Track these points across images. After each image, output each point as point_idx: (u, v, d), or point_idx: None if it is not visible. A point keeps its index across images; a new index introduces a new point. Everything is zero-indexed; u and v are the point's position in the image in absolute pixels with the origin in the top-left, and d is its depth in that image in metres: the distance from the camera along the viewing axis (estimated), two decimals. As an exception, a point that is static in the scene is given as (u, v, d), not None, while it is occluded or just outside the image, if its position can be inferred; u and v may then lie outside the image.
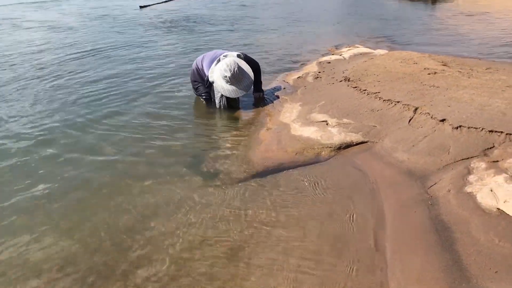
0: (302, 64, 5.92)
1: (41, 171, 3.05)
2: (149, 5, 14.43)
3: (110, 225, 2.42)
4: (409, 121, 3.27)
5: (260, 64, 4.57)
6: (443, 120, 3.09)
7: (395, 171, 2.78)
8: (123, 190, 2.78)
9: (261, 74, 4.46)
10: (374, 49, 6.48)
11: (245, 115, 4.03)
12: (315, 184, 2.72)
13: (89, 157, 3.24)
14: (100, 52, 7.23)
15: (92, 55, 7.00)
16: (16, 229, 2.39)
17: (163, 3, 15.17)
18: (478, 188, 2.35)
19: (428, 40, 7.53)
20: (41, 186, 2.83)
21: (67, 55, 7.01)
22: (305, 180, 2.78)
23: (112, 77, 5.48)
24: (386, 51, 6.16)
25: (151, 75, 5.54)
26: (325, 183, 2.73)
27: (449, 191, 2.42)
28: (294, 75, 5.13)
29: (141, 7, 13.98)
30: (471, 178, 2.47)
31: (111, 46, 7.75)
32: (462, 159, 2.70)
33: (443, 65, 4.62)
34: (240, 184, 2.78)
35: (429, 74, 4.21)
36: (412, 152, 2.90)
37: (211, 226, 2.37)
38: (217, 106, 4.20)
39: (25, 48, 7.76)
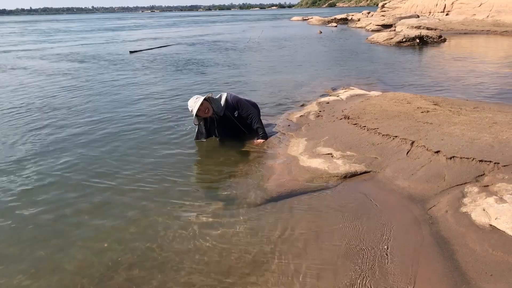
0: (302, 105, 6.33)
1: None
2: (138, 51, 15.07)
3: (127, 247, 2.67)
4: (407, 153, 3.61)
5: (259, 106, 5.00)
6: (437, 152, 3.44)
7: (397, 196, 3.09)
8: (150, 215, 3.05)
9: (259, 116, 4.85)
10: (369, 91, 6.95)
11: (254, 149, 4.35)
12: (326, 207, 3.00)
13: (115, 185, 3.51)
14: (103, 96, 7.63)
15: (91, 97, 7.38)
16: None
17: (153, 49, 15.83)
18: (472, 208, 2.66)
19: (417, 83, 8.06)
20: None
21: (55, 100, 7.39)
22: (316, 203, 3.07)
23: (123, 119, 5.83)
24: (380, 93, 6.63)
25: (155, 115, 5.90)
26: (335, 205, 3.02)
27: (446, 211, 2.73)
28: (297, 114, 5.52)
29: (131, 52, 14.60)
30: (466, 200, 2.79)
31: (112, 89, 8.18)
32: (456, 185, 3.03)
33: (434, 104, 5.05)
34: (257, 207, 3.06)
35: (422, 112, 4.61)
36: (411, 180, 3.23)
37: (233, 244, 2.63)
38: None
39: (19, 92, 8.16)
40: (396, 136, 3.88)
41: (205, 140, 4.77)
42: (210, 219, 2.93)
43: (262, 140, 4.62)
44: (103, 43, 18.06)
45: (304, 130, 4.73)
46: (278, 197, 3.21)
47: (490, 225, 2.44)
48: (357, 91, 6.92)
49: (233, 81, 8.91)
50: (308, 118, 5.26)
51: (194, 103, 4.40)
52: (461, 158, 3.28)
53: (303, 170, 3.64)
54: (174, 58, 13.01)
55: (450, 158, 3.30)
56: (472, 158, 3.24)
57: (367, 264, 2.31)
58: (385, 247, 2.46)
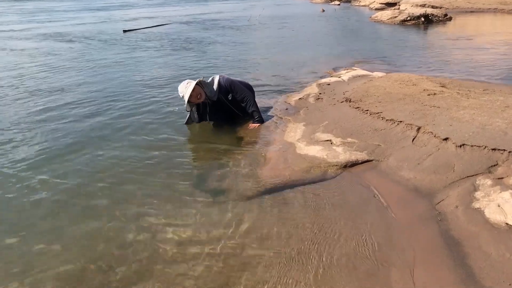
0: (301, 86, 6.02)
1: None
2: (133, 30, 14.64)
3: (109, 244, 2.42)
4: (412, 140, 3.33)
5: (256, 87, 4.69)
6: (446, 139, 3.16)
7: (402, 188, 2.83)
8: (131, 207, 2.80)
9: (254, 99, 4.55)
10: (372, 72, 6.62)
11: (249, 135, 4.08)
12: (324, 201, 2.74)
13: (97, 176, 3.25)
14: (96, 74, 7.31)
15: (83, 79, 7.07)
16: None
17: (148, 28, 15.38)
18: (485, 204, 2.40)
19: (423, 63, 7.71)
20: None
21: (47, 82, 7.08)
22: (314, 197, 2.81)
23: (114, 96, 5.53)
24: (384, 74, 6.30)
25: (148, 98, 5.61)
26: (333, 200, 2.76)
27: (457, 207, 2.46)
28: (295, 97, 5.22)
29: (124, 31, 14.18)
30: (478, 194, 2.52)
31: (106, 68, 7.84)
32: (467, 177, 2.76)
33: (441, 86, 4.74)
34: (250, 200, 2.80)
35: (428, 95, 4.31)
36: (417, 170, 2.96)
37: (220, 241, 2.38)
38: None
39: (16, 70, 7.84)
40: (400, 121, 3.60)
41: (197, 123, 4.49)
42: (197, 216, 2.68)
43: (257, 124, 4.34)
44: (95, 23, 17.51)
45: (302, 114, 4.44)
46: (271, 190, 2.96)
47: (506, 223, 2.19)
48: (360, 71, 6.59)
49: (232, 60, 8.57)
50: (307, 101, 4.96)
51: (185, 89, 4.11)
52: (472, 146, 3.00)
53: (300, 158, 3.37)
54: (171, 37, 12.59)
55: (460, 146, 3.02)
56: (484, 146, 2.96)
57: (368, 271, 2.06)
58: (389, 250, 2.20)
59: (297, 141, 3.72)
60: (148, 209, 2.79)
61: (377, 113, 3.90)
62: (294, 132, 3.95)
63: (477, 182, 2.65)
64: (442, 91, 4.46)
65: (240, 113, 4.55)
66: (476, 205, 2.42)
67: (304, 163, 3.28)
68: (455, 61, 7.68)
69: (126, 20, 18.67)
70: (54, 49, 10.44)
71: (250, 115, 4.47)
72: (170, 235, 2.49)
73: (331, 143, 3.58)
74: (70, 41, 11.88)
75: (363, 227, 2.43)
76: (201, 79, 4.28)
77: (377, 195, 2.78)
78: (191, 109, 4.40)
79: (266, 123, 4.35)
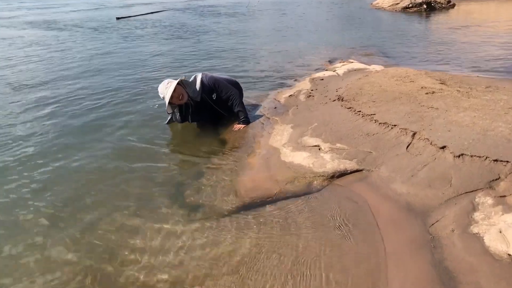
0: (294, 80, 5.72)
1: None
2: (126, 17, 14.23)
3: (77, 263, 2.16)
4: (407, 148, 3.05)
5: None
6: (443, 147, 2.87)
7: (393, 205, 2.54)
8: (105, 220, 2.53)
9: (241, 97, 4.25)
10: (369, 65, 6.29)
11: (233, 138, 3.80)
12: (306, 220, 2.47)
13: (57, 188, 2.98)
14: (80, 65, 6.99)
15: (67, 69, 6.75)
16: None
17: (142, 16, 14.96)
18: (485, 228, 2.12)
19: (423, 54, 7.36)
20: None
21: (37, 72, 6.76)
22: (296, 215, 2.53)
23: (86, 96, 5.23)
24: (382, 67, 5.98)
25: (130, 92, 5.30)
26: (316, 218, 2.49)
27: (453, 231, 2.19)
28: (286, 93, 4.92)
29: (117, 18, 13.79)
30: (477, 215, 2.24)
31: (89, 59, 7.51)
32: (465, 192, 2.48)
33: (440, 83, 4.42)
34: (224, 218, 2.53)
35: (426, 93, 4.01)
36: (411, 183, 2.67)
37: (191, 266, 2.12)
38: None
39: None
40: (395, 125, 3.30)
41: (180, 123, 4.20)
42: (166, 237, 2.41)
43: (243, 126, 4.05)
44: (87, 10, 17.05)
45: (291, 115, 4.14)
46: (250, 205, 2.68)
47: (509, 255, 1.90)
48: (356, 64, 6.27)
49: (228, 50, 8.25)
50: (297, 99, 4.66)
51: (166, 89, 3.81)
52: (471, 156, 2.71)
53: (284, 167, 3.08)
54: (166, 25, 12.20)
55: (458, 156, 2.74)
56: (484, 157, 2.67)
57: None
58: (373, 285, 1.93)
59: (282, 146, 3.43)
60: (113, 224, 2.52)
61: (370, 115, 3.60)
62: (281, 136, 3.66)
63: (476, 200, 2.37)
64: (442, 89, 4.15)
65: (226, 113, 4.26)
66: (475, 229, 2.14)
67: (288, 173, 3.00)
68: (457, 52, 7.33)
69: (120, 7, 18.23)
70: (41, 38, 10.10)
71: (235, 115, 4.17)
72: (131, 256, 2.23)
73: (319, 149, 3.29)
74: (60, 29, 11.52)
75: (347, 255, 2.16)
76: (183, 78, 3.98)
77: (364, 213, 2.49)
78: (173, 111, 4.10)
79: (252, 124, 4.06)
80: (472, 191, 2.49)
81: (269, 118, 4.17)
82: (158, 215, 2.62)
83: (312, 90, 4.89)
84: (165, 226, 2.51)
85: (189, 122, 4.17)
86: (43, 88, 5.69)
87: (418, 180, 2.69)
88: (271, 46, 8.54)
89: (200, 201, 2.78)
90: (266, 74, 6.16)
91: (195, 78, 4.12)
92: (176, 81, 3.88)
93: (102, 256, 2.27)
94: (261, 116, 4.25)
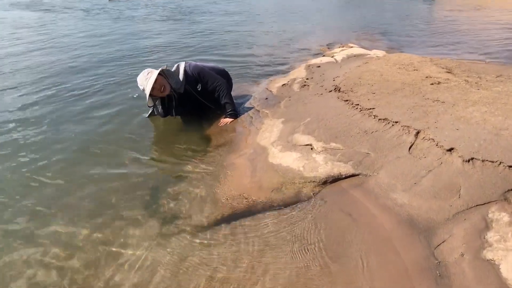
0: (290, 67, 5.33)
1: None
2: None
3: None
4: (409, 149, 2.69)
5: (233, 71, 4.03)
6: (451, 150, 2.52)
7: (393, 219, 2.21)
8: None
9: (229, 87, 3.88)
10: (370, 50, 5.89)
11: (219, 134, 3.45)
12: (289, 238, 2.14)
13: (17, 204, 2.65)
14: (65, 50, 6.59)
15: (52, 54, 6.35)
16: None
17: None
18: (501, 254, 1.78)
19: (428, 39, 6.93)
20: None
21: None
22: (280, 231, 2.20)
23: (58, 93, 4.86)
24: (383, 53, 5.58)
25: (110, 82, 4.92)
26: (304, 236, 2.16)
27: (462, 255, 1.85)
28: (279, 82, 4.54)
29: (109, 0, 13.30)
30: (491, 236, 1.90)
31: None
32: (476, 205, 2.14)
33: (447, 72, 4.04)
34: (199, 233, 2.21)
35: (432, 84, 3.63)
36: (413, 192, 2.33)
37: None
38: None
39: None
40: (396, 122, 2.95)
41: (162, 117, 3.84)
42: (130, 255, 2.09)
43: (230, 120, 3.69)
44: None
45: (282, 107, 3.78)
46: (230, 217, 2.37)
47: (531, 291, 1.57)
48: (356, 49, 5.86)
49: (224, 33, 7.83)
50: (291, 89, 4.29)
51: (146, 81, 3.43)
52: (483, 161, 2.36)
53: (271, 170, 2.74)
54: (160, 5, 11.68)
55: (468, 160, 2.39)
56: (498, 162, 2.33)
57: None
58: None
59: (271, 145, 3.09)
60: (79, 236, 2.20)
61: (369, 109, 3.24)
62: (270, 132, 3.31)
63: (489, 216, 2.03)
64: (448, 78, 3.77)
65: (212, 105, 3.90)
66: (489, 254, 1.81)
67: (275, 177, 2.66)
68: (465, 35, 6.89)
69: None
70: (26, 20, 9.63)
71: (223, 108, 3.81)
72: (93, 273, 1.91)
73: (311, 149, 2.94)
74: (46, 10, 11.01)
75: (337, 280, 1.82)
76: (165, 67, 3.61)
77: (359, 229, 2.16)
78: (154, 104, 3.73)
79: (241, 118, 3.72)
80: (485, 203, 2.15)
81: (259, 111, 3.81)
82: (128, 227, 2.32)
83: (307, 78, 4.51)
84: (133, 240, 2.20)
85: (172, 116, 3.81)
86: (18, 74, 5.30)
87: (422, 188, 2.35)
88: (269, 28, 8.11)
89: (176, 211, 2.46)
90: (260, 59, 5.78)
91: (178, 68, 3.75)
92: (157, 71, 3.51)
93: (62, 273, 1.95)
94: (250, 108, 3.89)
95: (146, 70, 3.60)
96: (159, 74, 3.51)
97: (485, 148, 2.46)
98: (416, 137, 2.77)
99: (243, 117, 3.72)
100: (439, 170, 2.44)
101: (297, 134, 3.18)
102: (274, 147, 3.06)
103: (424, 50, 5.88)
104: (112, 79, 4.96)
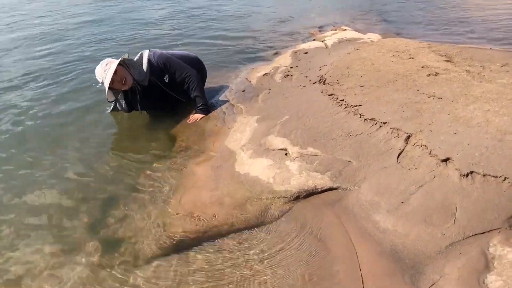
0: (275, 53, 4.86)
1: None
2: None
3: None
4: (398, 157, 2.28)
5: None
6: (446, 160, 2.12)
7: (373, 248, 1.82)
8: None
9: (200, 78, 3.44)
10: (365, 33, 5.41)
11: (185, 133, 3.04)
12: (250, 272, 1.75)
13: None
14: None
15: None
16: None
17: None
18: (504, 309, 1.38)
19: (429, 21, 6.41)
20: None
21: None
22: (237, 262, 1.81)
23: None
24: (379, 37, 5.11)
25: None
26: (262, 271, 1.75)
27: (455, 307, 1.45)
28: (261, 71, 4.10)
29: None
30: (491, 281, 1.52)
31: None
32: (475, 234, 1.74)
33: (446, 60, 3.59)
34: (138, 269, 1.81)
35: (428, 75, 3.20)
36: (400, 214, 1.93)
37: None
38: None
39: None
40: (384, 123, 2.53)
41: (126, 113, 3.42)
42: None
43: (200, 116, 3.27)
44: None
45: (260, 102, 3.35)
46: (180, 244, 1.96)
47: None
48: (350, 33, 5.39)
49: (212, 11, 7.22)
50: (272, 79, 3.85)
51: (105, 72, 3.00)
52: (484, 175, 1.96)
53: (236, 182, 2.34)
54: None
55: (466, 175, 1.98)
56: (502, 177, 1.93)
57: None
58: None
59: (240, 149, 2.68)
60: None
61: (355, 106, 2.81)
62: (242, 133, 2.90)
63: (490, 250, 1.64)
64: (447, 69, 3.33)
65: (183, 99, 3.47)
66: (489, 308, 1.40)
67: (240, 191, 2.26)
68: (470, 17, 6.35)
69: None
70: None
71: (193, 102, 3.39)
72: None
73: (286, 154, 2.54)
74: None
75: None
76: (126, 57, 3.17)
77: (333, 264, 1.77)
78: (116, 98, 3.31)
79: (213, 114, 3.30)
80: (485, 232, 1.74)
81: (233, 106, 3.39)
82: (63, 253, 1.92)
83: (291, 67, 4.07)
84: (64, 271, 1.80)
85: (138, 111, 3.38)
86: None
87: (410, 209, 1.95)
88: (261, 8, 7.54)
89: (121, 235, 2.08)
90: (244, 44, 5.30)
91: (141, 57, 3.31)
92: (116, 61, 3.08)
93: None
94: (225, 102, 3.46)
95: (104, 60, 3.16)
96: (119, 64, 3.08)
97: (487, 158, 2.05)
98: (407, 143, 2.36)
99: (216, 113, 3.30)
100: (431, 185, 2.03)
101: (271, 135, 2.77)
102: (244, 152, 2.65)
103: (423, 33, 5.40)
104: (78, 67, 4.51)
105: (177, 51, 3.74)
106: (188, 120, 3.29)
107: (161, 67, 3.29)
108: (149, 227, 2.08)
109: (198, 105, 3.34)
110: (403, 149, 2.33)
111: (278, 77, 3.87)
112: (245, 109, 3.27)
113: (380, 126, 2.55)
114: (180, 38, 5.57)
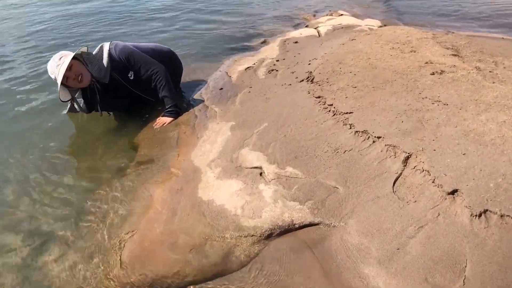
0: (262, 42, 4.38)
1: None
2: None
3: None
4: (394, 184, 1.85)
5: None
6: (453, 192, 1.69)
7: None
8: None
9: (168, 75, 2.97)
10: (363, 19, 4.90)
11: (148, 142, 2.60)
12: None
13: None
14: None
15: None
16: None
17: None
18: None
19: (437, 5, 5.84)
20: None
21: None
22: None
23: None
24: (378, 23, 4.61)
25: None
26: None
27: None
28: (244, 64, 3.64)
29: None
30: None
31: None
32: (491, 302, 1.31)
33: (453, 54, 3.12)
34: None
35: (432, 74, 2.74)
36: (394, 266, 1.51)
37: None
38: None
39: None
40: (379, 138, 2.10)
41: (87, 114, 2.99)
42: None
43: (168, 120, 2.83)
44: None
45: (237, 103, 2.90)
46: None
47: None
48: (346, 19, 4.90)
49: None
50: (255, 75, 3.39)
51: (58, 68, 2.54)
52: (501, 216, 1.54)
53: (197, 211, 1.92)
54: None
55: (479, 215, 1.55)
56: (526, 219, 1.48)
57: None
58: None
59: (208, 166, 2.24)
60: None
61: (345, 113, 2.37)
62: (212, 144, 2.45)
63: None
64: (454, 65, 2.87)
65: (152, 98, 3.02)
66: None
67: (200, 226, 1.84)
68: (481, 3, 5.80)
69: None
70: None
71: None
72: None
73: (260, 174, 2.09)
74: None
75: None
76: (84, 49, 2.71)
77: None
78: (73, 97, 2.85)
79: (184, 117, 2.85)
80: (504, 299, 1.32)
81: (207, 108, 2.93)
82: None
83: (278, 60, 3.60)
84: None
85: (98, 111, 2.94)
86: None
87: (408, 260, 1.53)
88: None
89: (56, 283, 1.62)
90: (229, 30, 4.81)
91: (101, 50, 2.85)
92: (71, 55, 2.62)
93: None
94: (199, 102, 3.02)
95: (58, 54, 2.71)
96: (74, 58, 2.63)
97: (506, 191, 1.63)
98: (405, 165, 1.93)
99: (186, 116, 2.86)
100: (435, 227, 1.61)
101: (246, 148, 2.33)
102: (211, 170, 2.21)
103: (429, 21, 4.87)
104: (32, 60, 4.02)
105: (146, 43, 3.27)
106: (155, 124, 2.84)
107: (123, 62, 2.83)
108: (84, 278, 1.65)
109: (167, 107, 2.89)
110: (401, 174, 1.90)
111: (261, 72, 3.40)
112: (219, 113, 2.82)
113: (374, 141, 2.11)
114: (155, 30, 5.05)
